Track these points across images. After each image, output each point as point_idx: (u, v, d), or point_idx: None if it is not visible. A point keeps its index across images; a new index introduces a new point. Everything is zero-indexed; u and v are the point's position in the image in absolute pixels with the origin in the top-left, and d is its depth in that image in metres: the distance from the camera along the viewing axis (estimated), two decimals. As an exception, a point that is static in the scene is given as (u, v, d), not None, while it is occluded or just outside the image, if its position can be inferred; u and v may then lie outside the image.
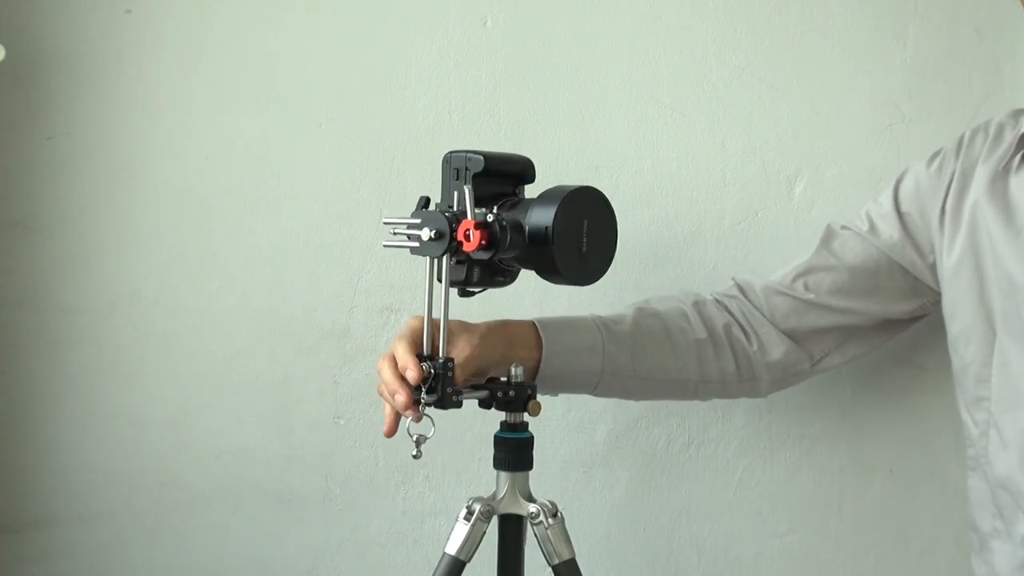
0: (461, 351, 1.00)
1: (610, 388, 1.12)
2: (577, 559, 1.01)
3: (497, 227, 0.95)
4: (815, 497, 1.33)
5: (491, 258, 0.95)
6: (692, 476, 1.33)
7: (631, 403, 1.30)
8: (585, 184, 1.00)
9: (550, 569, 1.01)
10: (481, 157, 0.99)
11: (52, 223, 1.27)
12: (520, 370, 1.02)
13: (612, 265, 1.28)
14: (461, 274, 0.99)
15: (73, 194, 1.27)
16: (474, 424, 1.27)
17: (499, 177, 0.98)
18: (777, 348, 1.15)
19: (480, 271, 0.98)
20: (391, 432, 0.98)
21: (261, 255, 1.29)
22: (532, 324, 1.09)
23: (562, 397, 1.29)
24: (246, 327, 1.28)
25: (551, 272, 0.98)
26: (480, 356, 1.01)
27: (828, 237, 1.18)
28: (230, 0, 1.28)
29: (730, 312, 1.17)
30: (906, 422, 1.33)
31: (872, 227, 1.16)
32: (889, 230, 1.14)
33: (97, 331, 1.27)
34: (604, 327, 1.11)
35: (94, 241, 1.27)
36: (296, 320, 1.29)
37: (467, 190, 0.95)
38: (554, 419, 1.29)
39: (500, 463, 1.02)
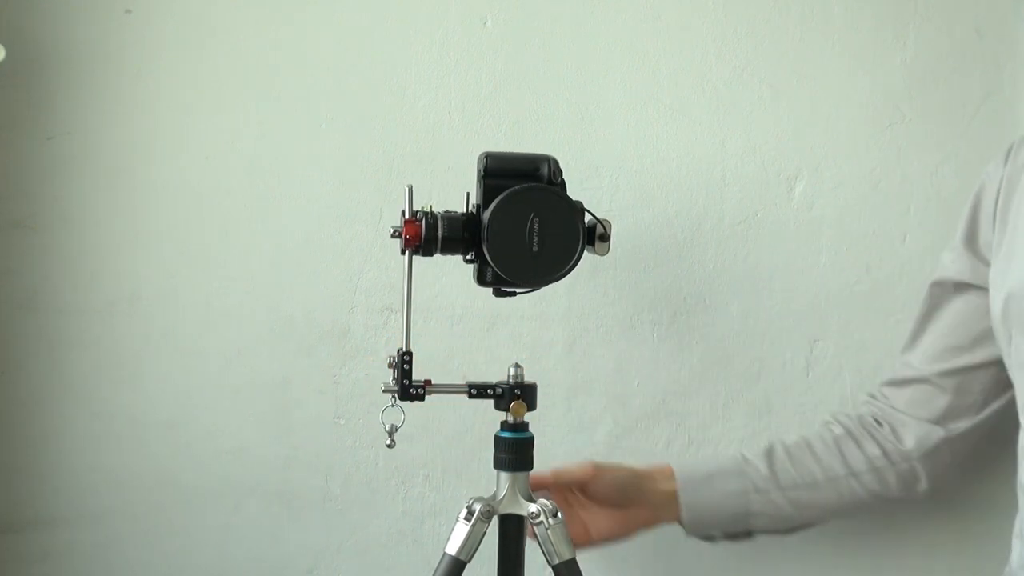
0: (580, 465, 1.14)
1: (763, 510, 1.16)
2: (577, 559, 1.01)
3: (423, 224, 0.95)
4: (815, 497, 1.33)
5: (441, 254, 0.98)
6: (692, 476, 1.32)
7: (631, 402, 1.30)
8: (547, 184, 0.99)
9: (550, 569, 1.01)
10: (486, 157, 0.99)
11: (52, 223, 1.27)
12: (522, 370, 1.02)
13: (612, 265, 1.29)
14: (478, 274, 1.01)
15: (73, 194, 1.27)
16: (474, 424, 1.27)
17: (512, 178, 0.97)
18: (908, 431, 1.16)
19: (492, 272, 0.98)
20: None
21: (261, 255, 1.28)
22: (669, 465, 1.18)
23: (561, 396, 1.30)
24: (246, 327, 1.28)
25: (498, 269, 0.97)
26: (602, 471, 1.13)
27: (928, 302, 1.19)
28: (230, 0, 1.28)
29: (862, 410, 1.21)
30: (906, 422, 1.33)
31: (943, 267, 1.17)
32: (959, 259, 1.15)
33: (97, 331, 1.27)
34: (741, 455, 1.18)
35: (94, 241, 1.27)
36: (296, 320, 1.29)
37: (407, 188, 0.97)
38: (554, 419, 1.29)
39: (500, 463, 1.02)
